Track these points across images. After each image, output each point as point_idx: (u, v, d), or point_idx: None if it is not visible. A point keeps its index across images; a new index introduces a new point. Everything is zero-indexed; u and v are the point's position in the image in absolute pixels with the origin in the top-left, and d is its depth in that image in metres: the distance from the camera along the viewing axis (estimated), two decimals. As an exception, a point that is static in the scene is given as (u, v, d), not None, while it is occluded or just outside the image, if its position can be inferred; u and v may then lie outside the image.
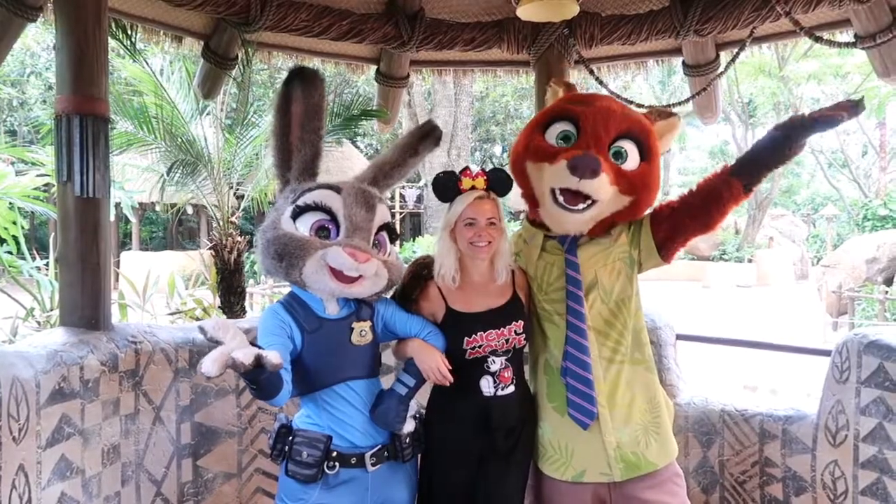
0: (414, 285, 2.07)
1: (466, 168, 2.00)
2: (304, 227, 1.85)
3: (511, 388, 2.02)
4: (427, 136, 2.16)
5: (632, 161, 1.90)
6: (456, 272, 2.01)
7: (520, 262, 2.11)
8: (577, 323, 1.92)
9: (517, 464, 2.06)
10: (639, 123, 1.93)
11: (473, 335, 1.98)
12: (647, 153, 1.91)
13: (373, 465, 1.86)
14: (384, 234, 1.96)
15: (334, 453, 1.82)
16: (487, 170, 2.01)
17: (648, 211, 2.01)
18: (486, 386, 2.00)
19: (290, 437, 1.85)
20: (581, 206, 1.85)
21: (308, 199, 1.87)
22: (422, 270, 2.08)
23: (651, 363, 2.04)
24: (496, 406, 2.00)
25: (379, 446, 1.88)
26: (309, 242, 1.81)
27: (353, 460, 1.84)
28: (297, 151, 1.95)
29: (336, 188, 1.90)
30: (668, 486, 1.94)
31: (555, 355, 2.00)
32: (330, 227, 1.86)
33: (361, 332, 1.90)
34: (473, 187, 1.98)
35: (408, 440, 1.93)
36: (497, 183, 2.01)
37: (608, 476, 1.91)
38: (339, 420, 1.86)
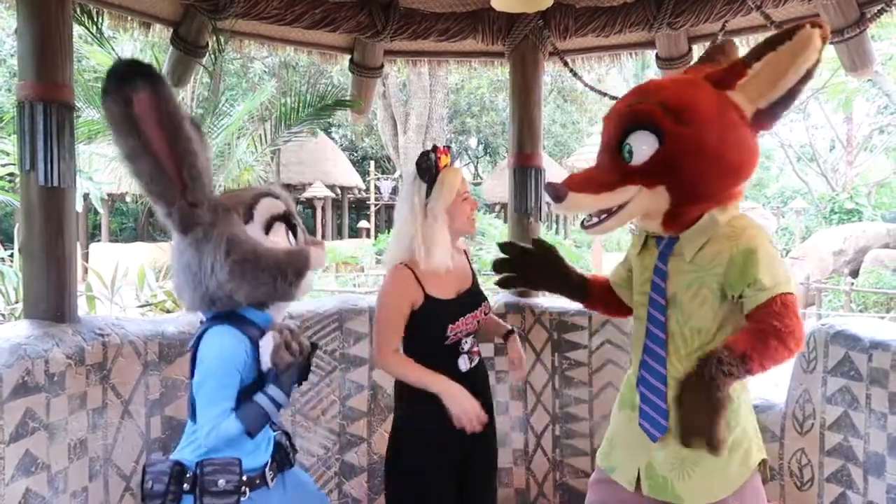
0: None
1: (437, 147, 2.00)
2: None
3: (478, 359, 2.13)
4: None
5: (641, 153, 1.70)
6: (452, 246, 2.03)
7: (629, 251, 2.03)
8: (655, 332, 1.79)
9: (493, 436, 2.17)
10: (639, 112, 1.73)
11: (456, 322, 2.01)
12: (661, 135, 1.68)
13: (271, 479, 1.81)
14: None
15: (244, 477, 1.73)
16: (444, 146, 2.02)
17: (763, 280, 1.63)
18: (463, 364, 2.07)
19: (194, 473, 1.69)
20: (594, 220, 1.79)
21: None
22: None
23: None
24: (472, 380, 2.07)
25: (270, 459, 1.83)
26: None
27: (258, 481, 1.77)
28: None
29: None
30: None
31: (632, 354, 1.93)
32: None
33: None
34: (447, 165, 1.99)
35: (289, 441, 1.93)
36: (453, 159, 2.04)
37: (631, 484, 1.81)
38: (244, 443, 1.76)
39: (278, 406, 1.74)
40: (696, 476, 1.70)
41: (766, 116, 1.69)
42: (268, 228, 1.76)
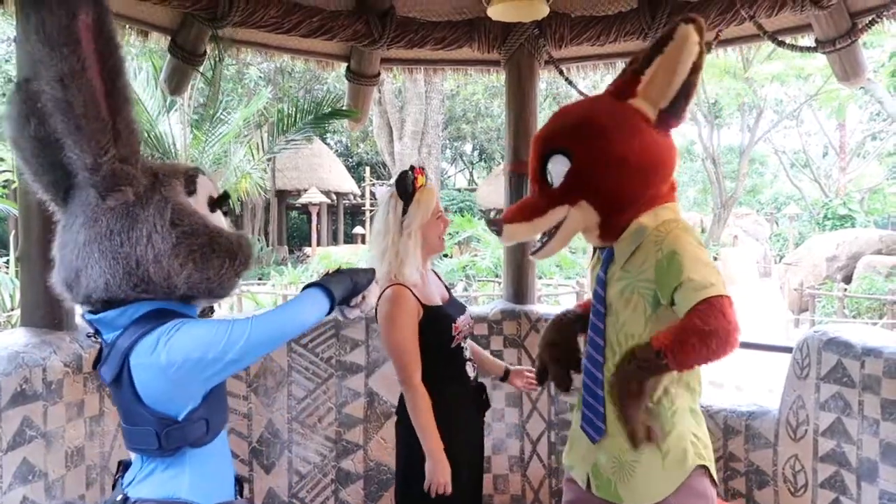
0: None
1: (414, 167, 2.10)
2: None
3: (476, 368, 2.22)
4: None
5: (558, 175, 1.81)
6: (422, 268, 2.10)
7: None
8: (595, 338, 1.86)
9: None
10: (547, 139, 1.86)
11: (457, 321, 2.10)
12: (570, 156, 1.78)
13: None
14: None
15: None
16: (420, 167, 2.13)
17: (684, 286, 1.61)
18: (470, 370, 2.16)
19: None
20: (538, 244, 1.91)
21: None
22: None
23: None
24: (479, 390, 2.19)
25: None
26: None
27: None
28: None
29: None
30: None
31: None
32: None
33: None
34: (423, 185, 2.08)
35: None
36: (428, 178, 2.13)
37: (584, 483, 1.88)
38: (226, 477, 1.53)
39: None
40: (636, 479, 1.76)
41: (671, 114, 1.78)
42: (211, 208, 1.50)
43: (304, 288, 1.53)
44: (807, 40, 3.11)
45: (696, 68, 1.73)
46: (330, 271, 1.61)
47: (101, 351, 1.43)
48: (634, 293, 1.76)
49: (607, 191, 1.78)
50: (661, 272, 1.68)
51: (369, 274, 1.65)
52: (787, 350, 2.49)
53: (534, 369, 2.27)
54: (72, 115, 1.27)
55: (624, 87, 1.81)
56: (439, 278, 2.27)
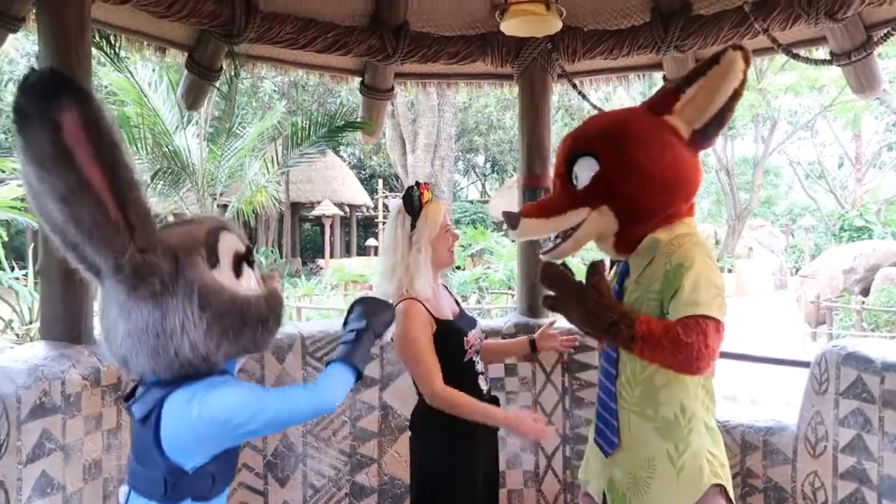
0: None
1: (419, 183, 2.12)
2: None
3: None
4: None
5: (584, 177, 1.82)
6: (433, 282, 2.11)
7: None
8: (609, 351, 1.88)
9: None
10: (579, 140, 1.87)
11: (468, 335, 2.11)
12: (599, 159, 1.79)
13: None
14: None
15: None
16: (425, 182, 2.15)
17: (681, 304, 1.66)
18: (483, 383, 2.16)
19: None
20: (550, 245, 1.92)
21: None
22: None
23: (666, 427, 1.77)
24: (492, 403, 2.16)
25: None
26: None
27: None
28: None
29: None
30: None
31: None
32: None
33: None
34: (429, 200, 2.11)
35: None
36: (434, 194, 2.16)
37: (599, 497, 1.89)
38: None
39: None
40: (650, 495, 1.77)
41: (703, 136, 1.82)
42: (237, 270, 1.47)
43: (332, 362, 1.55)
44: (821, 53, 3.09)
45: (735, 95, 1.76)
46: (354, 307, 1.69)
47: (136, 387, 1.47)
48: (644, 304, 1.78)
49: (632, 199, 1.79)
50: (666, 282, 1.71)
51: (387, 316, 1.68)
52: (805, 365, 2.46)
53: (557, 328, 2.33)
54: (84, 228, 1.25)
55: (661, 103, 1.83)
56: (450, 292, 2.28)
